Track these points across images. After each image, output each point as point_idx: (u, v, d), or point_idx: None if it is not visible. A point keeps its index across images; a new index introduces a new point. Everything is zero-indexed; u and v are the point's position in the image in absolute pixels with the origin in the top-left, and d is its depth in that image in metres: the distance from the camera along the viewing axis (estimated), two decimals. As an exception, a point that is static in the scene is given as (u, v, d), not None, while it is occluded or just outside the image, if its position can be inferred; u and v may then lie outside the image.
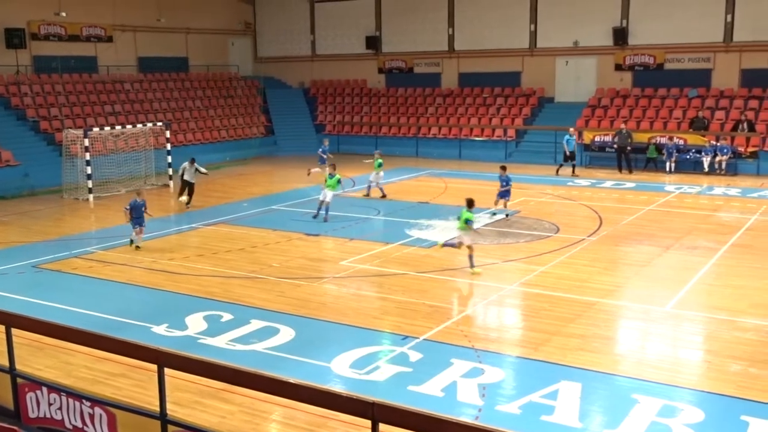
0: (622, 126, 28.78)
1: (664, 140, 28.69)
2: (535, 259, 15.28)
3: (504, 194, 19.49)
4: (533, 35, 34.28)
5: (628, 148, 28.21)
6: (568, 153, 27.20)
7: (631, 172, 27.61)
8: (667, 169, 27.70)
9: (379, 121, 36.14)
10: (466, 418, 8.18)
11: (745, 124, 28.22)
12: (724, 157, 27.04)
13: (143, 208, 16.64)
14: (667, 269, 14.68)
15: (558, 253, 15.69)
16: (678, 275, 14.04)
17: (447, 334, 11.14)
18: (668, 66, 31.72)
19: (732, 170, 26.93)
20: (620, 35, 32.00)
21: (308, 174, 25.62)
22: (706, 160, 27.29)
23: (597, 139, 29.63)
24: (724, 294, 12.99)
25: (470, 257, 14.23)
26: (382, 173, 22.98)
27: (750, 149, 27.57)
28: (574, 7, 32.90)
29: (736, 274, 14.18)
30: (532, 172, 27.62)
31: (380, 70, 38.44)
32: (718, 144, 27.41)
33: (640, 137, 29.03)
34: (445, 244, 14.90)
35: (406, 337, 10.95)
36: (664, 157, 28.02)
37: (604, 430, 8.22)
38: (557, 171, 27.24)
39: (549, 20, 33.73)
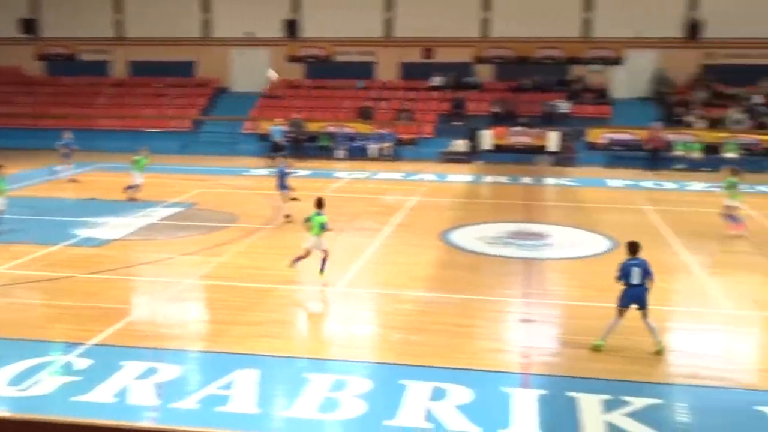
0: (296, 116, 29.81)
1: (334, 129, 30.33)
2: (213, 250, 15.18)
3: (283, 187, 17.92)
4: (206, 24, 33.95)
5: (302, 137, 29.32)
6: (275, 143, 27.47)
7: (304, 159, 28.70)
8: (338, 156, 29.36)
9: (41, 112, 33.00)
10: (142, 421, 7.86)
11: (405, 114, 30.98)
12: (388, 144, 29.41)
13: None
14: (340, 251, 15.46)
15: (236, 243, 15.78)
16: (348, 256, 14.92)
17: (120, 336, 10.58)
18: (338, 58, 33.57)
19: (396, 156, 29.38)
20: (291, 27, 33.05)
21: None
22: (372, 148, 29.43)
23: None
24: (388, 271, 14.14)
25: (323, 261, 13.00)
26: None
27: (410, 136, 30.31)
28: (246, -3, 33.23)
29: (397, 251, 15.50)
30: (209, 163, 27.44)
31: (40, 57, 35.17)
32: (383, 132, 29.73)
33: (314, 126, 30.34)
34: (295, 261, 13.25)
35: (74, 344, 10.17)
36: (335, 145, 29.66)
37: (279, 412, 8.46)
38: (268, 163, 26.72)
39: (222, 10, 33.68)
